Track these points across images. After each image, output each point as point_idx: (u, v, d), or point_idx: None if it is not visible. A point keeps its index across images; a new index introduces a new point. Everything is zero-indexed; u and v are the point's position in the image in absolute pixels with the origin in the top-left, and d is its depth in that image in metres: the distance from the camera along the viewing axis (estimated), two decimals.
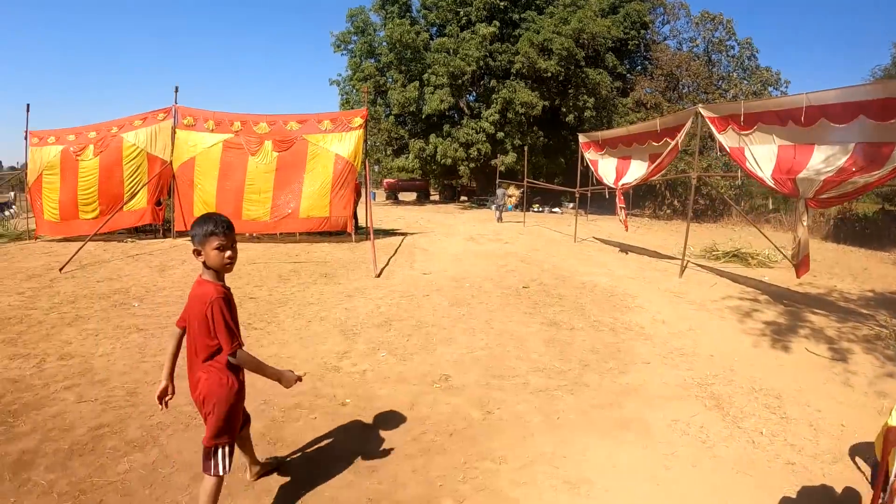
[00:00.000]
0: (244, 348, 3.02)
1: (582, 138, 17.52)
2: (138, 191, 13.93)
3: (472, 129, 29.32)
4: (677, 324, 7.76)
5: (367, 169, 14.20)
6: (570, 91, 31.68)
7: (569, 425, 4.62)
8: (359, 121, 13.95)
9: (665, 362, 6.25)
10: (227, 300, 2.94)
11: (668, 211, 33.58)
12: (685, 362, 6.26)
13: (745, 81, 37.37)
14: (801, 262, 9.10)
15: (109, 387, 5.22)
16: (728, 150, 10.14)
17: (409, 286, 9.44)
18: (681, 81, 38.06)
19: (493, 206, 29.50)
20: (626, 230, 17.58)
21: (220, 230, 2.90)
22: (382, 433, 4.47)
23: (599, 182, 16.49)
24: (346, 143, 13.73)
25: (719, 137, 10.34)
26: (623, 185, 14.81)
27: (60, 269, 10.57)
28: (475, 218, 24.85)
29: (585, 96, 31.06)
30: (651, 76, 37.46)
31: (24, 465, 3.86)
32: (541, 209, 30.70)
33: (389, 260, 11.86)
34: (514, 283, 10.00)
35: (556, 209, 31.06)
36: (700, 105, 11.15)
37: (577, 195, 18.40)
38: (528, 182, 23.12)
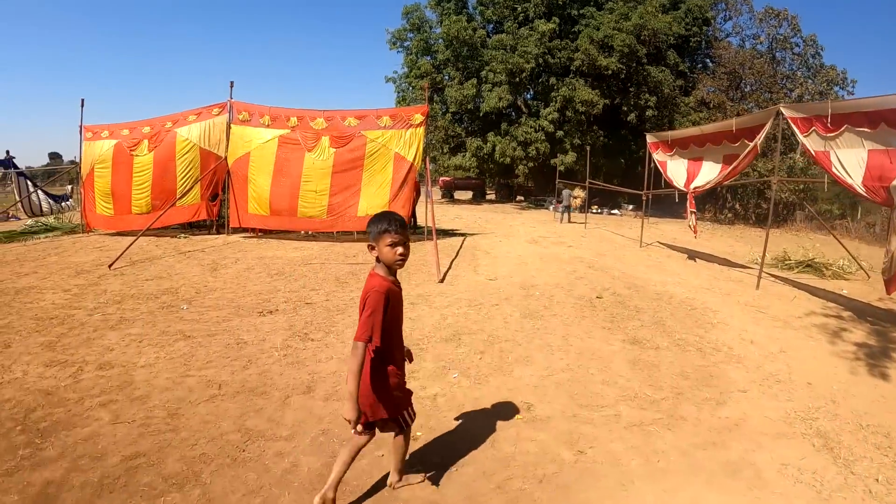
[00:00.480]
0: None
1: (650, 138, 16.34)
2: (191, 187, 13.45)
3: (531, 127, 28.26)
4: (767, 344, 6.88)
5: (428, 168, 13.38)
6: (630, 89, 30.32)
7: (671, 470, 3.93)
8: (419, 118, 13.15)
9: (762, 391, 5.45)
10: (388, 297, 3.01)
11: (730, 215, 31.76)
12: (783, 391, 5.47)
13: (810, 80, 35.25)
14: (892, 277, 7.90)
15: (149, 406, 4.51)
16: (813, 153, 9.01)
17: (476, 293, 8.54)
18: (744, 80, 36.16)
19: (553, 207, 28.51)
20: (696, 236, 16.29)
21: (393, 228, 3.02)
22: (460, 478, 3.66)
23: (670, 184, 15.30)
24: (406, 142, 12.96)
25: (803, 140, 9.17)
26: (695, 188, 13.65)
27: (110, 266, 10.13)
28: (534, 219, 23.81)
29: (647, 95, 29.63)
30: (713, 74, 35.68)
31: (47, 501, 3.26)
32: (599, 210, 29.42)
33: (452, 263, 10.98)
34: (585, 291, 9.02)
35: (615, 211, 29.73)
36: (782, 104, 10.03)
37: (645, 198, 17.19)
38: (590, 183, 21.99)
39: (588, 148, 28.87)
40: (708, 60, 38.19)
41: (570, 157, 28.17)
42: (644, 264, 12.38)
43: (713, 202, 32.49)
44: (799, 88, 34.79)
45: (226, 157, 13.58)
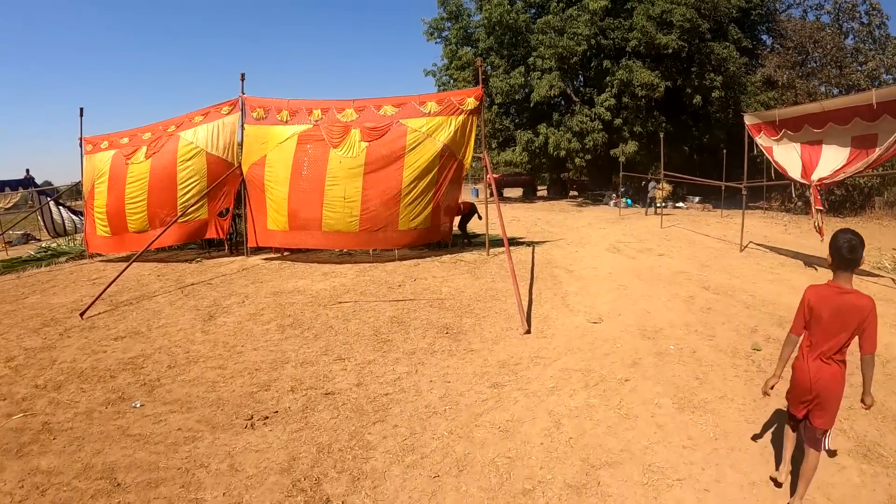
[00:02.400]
0: None
1: (750, 119, 12.85)
2: (196, 200, 10.62)
3: (586, 116, 24.63)
4: None
5: (488, 162, 10.27)
6: (692, 69, 26.46)
7: None
8: (472, 102, 10.03)
9: None
10: None
11: (800, 203, 27.58)
12: None
13: (880, 54, 30.67)
14: None
15: None
16: None
17: (586, 356, 5.42)
18: (810, 55, 31.74)
19: (614, 202, 25.27)
20: (822, 238, 12.72)
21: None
22: None
23: (784, 175, 11.86)
24: (457, 132, 9.89)
25: None
26: (820, 180, 10.28)
27: (82, 314, 7.44)
28: (598, 217, 20.43)
29: (712, 74, 25.73)
30: (778, 50, 31.37)
31: None
32: (664, 204, 25.70)
33: (531, 292, 7.82)
34: (730, 337, 6.00)
35: (681, 204, 25.95)
36: None
37: (745, 192, 13.80)
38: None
39: (650, 135, 25.41)
40: (765, 36, 33.84)
41: (632, 147, 24.46)
42: (764, 279, 9.18)
43: (781, 190, 28.38)
44: (872, 62, 30.38)
45: (239, 164, 10.73)
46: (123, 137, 12.07)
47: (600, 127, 24.58)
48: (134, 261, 9.28)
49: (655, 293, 8.02)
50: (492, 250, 10.77)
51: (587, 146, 24.64)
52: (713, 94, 25.96)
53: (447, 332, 5.98)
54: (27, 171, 20.17)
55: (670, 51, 24.53)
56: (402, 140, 9.80)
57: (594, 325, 6.36)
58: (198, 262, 10.98)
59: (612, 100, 24.68)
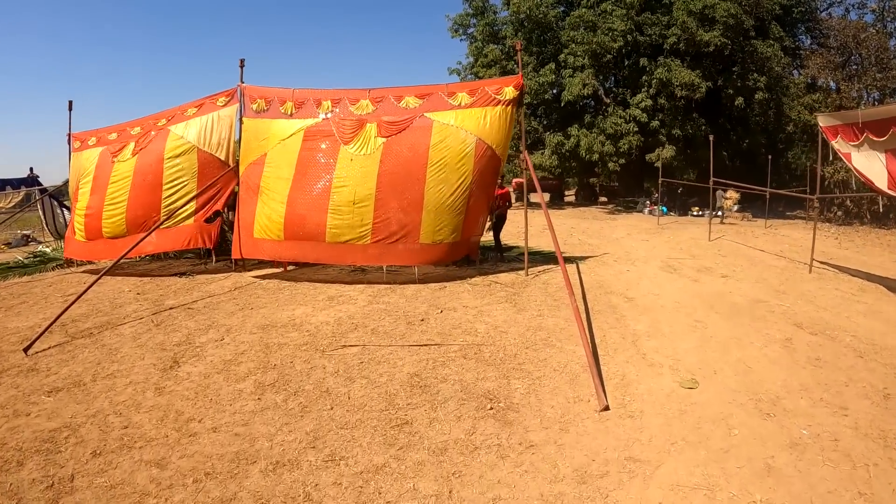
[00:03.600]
0: None
1: (825, 120, 10.76)
2: (185, 203, 8.90)
3: (621, 117, 22.52)
4: None
5: (529, 162, 8.42)
6: (734, 69, 24.26)
7: None
8: (511, 92, 8.19)
9: None
10: None
11: (839, 213, 25.19)
12: None
13: None
14: None
15: None
16: None
17: (694, 452, 3.60)
18: (853, 56, 29.26)
19: (648, 210, 23.37)
20: None
21: None
22: None
23: (870, 187, 9.88)
24: (491, 125, 8.04)
25: None
26: None
27: (26, 350, 5.77)
28: (634, 226, 18.41)
29: (755, 74, 23.53)
30: (820, 49, 28.92)
31: None
32: (700, 213, 23.57)
33: (591, 332, 5.93)
34: (866, 409, 4.38)
35: (719, 213, 23.78)
36: None
37: (816, 204, 11.84)
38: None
39: (687, 139, 23.33)
40: (804, 37, 31.36)
41: (669, 151, 22.28)
42: (855, 310, 7.39)
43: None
44: None
45: (237, 164, 9.00)
46: (112, 133, 10.45)
47: (635, 129, 22.47)
48: (102, 276, 7.56)
49: (744, 334, 6.17)
50: (530, 268, 8.93)
51: (621, 149, 22.53)
52: (756, 96, 23.76)
53: (491, 408, 4.10)
54: (31, 169, 18.73)
55: (712, 48, 22.40)
56: (427, 136, 7.99)
57: (690, 393, 4.48)
58: (189, 276, 9.28)
59: (648, 100, 22.57)
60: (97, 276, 7.33)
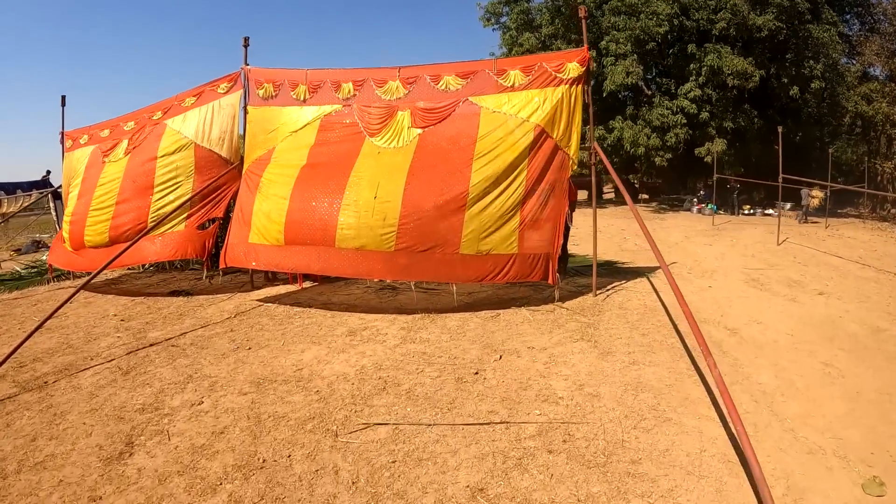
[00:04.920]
0: None
1: None
2: (173, 209, 7.24)
3: (667, 109, 20.35)
4: None
5: (600, 150, 6.61)
6: (787, 56, 21.94)
7: None
8: (575, 68, 6.34)
9: None
10: None
11: (893, 210, 22.62)
12: None
13: None
14: None
15: None
16: None
17: None
18: None
19: (697, 209, 21.53)
20: None
21: None
22: None
23: None
24: (553, 109, 6.20)
25: None
26: None
27: None
28: (688, 227, 16.41)
29: (812, 62, 21.15)
30: (873, 35, 26.19)
31: None
32: (753, 211, 21.32)
33: (706, 386, 4.07)
34: None
35: (770, 211, 21.43)
36: None
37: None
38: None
39: (737, 132, 21.01)
40: (855, 22, 28.57)
41: (720, 145, 20.03)
42: None
43: (868, 195, 23.46)
44: None
45: (241, 161, 7.33)
46: (104, 129, 8.90)
47: (683, 121, 20.30)
48: (85, 285, 5.96)
49: (893, 384, 4.34)
50: (585, 281, 7.14)
51: (668, 143, 20.38)
52: (812, 85, 21.37)
53: None
54: (48, 171, 17.47)
55: (765, 33, 20.16)
56: (473, 126, 6.19)
57: None
58: (187, 295, 7.65)
59: (696, 90, 20.37)
60: (59, 304, 5.69)
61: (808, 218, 18.57)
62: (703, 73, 20.06)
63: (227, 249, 6.81)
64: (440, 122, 6.29)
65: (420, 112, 6.39)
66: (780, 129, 14.57)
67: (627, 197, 6.03)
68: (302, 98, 7.01)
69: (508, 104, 6.23)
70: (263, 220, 6.49)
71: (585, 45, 6.55)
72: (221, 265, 6.95)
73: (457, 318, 5.89)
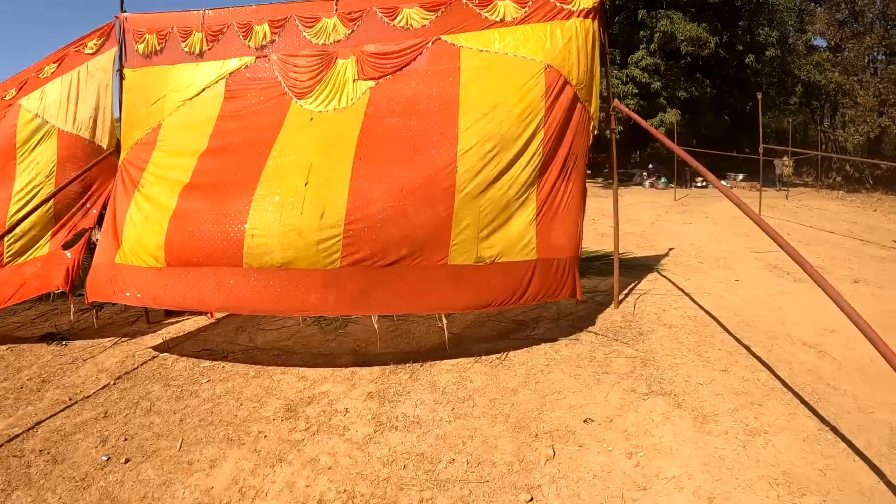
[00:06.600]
0: None
1: None
2: (31, 223, 4.83)
3: (617, 79, 18.68)
4: None
5: (622, 106, 4.72)
6: (740, 24, 20.66)
7: None
8: None
9: None
10: None
11: (839, 178, 21.92)
12: None
13: None
14: None
15: None
16: None
17: None
18: (862, 11, 25.80)
19: (649, 183, 20.09)
20: None
21: None
22: None
23: None
24: (565, 46, 4.15)
25: None
26: None
27: None
28: (652, 203, 14.93)
29: (767, 29, 19.94)
30: (820, 6, 25.44)
31: None
32: (704, 184, 19.93)
33: (858, 452, 2.17)
34: None
35: (724, 182, 20.14)
36: None
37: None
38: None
39: (688, 103, 19.56)
40: None
41: (673, 116, 18.49)
42: None
43: (811, 163, 22.80)
44: None
45: (118, 146, 4.94)
46: None
47: (635, 91, 18.69)
48: None
49: None
50: (588, 283, 5.26)
51: (618, 115, 18.71)
52: (766, 53, 20.19)
53: None
54: None
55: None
56: (453, 68, 4.07)
57: None
58: (61, 343, 5.21)
59: (648, 58, 18.76)
60: None
61: (783, 189, 17.65)
62: (654, 41, 18.45)
63: (90, 274, 4.44)
64: (400, 69, 4.13)
65: (370, 58, 4.21)
66: (759, 96, 12.96)
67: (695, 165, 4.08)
68: (198, 51, 4.70)
69: (500, 42, 4.15)
70: (137, 230, 4.14)
71: None
72: (87, 299, 4.57)
73: (448, 367, 3.77)
